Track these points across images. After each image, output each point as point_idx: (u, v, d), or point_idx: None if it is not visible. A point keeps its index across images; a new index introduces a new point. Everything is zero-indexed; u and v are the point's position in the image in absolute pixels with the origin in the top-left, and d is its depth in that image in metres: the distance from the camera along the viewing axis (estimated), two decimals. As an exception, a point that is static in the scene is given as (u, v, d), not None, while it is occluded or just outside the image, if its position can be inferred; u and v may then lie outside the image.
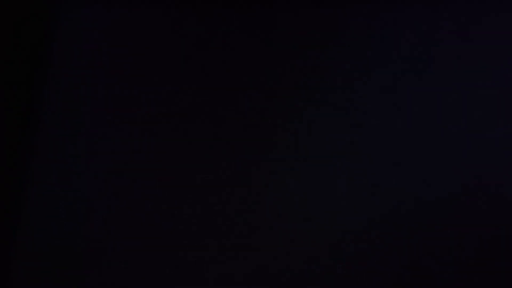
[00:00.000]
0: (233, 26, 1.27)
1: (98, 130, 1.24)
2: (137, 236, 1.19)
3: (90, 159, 1.23)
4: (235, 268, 1.17)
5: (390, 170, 1.20)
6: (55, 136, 1.24)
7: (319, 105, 1.23)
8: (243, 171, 1.21)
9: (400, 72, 1.24)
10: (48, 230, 1.20)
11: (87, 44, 1.28)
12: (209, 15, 1.28)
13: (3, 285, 1.17)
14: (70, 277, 1.18)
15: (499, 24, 1.24)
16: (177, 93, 1.25)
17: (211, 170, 1.21)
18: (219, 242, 1.18)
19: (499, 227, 1.17)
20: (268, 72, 1.25)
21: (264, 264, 1.17)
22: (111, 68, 1.27)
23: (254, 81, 1.25)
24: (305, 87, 1.24)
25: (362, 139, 1.22)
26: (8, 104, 1.25)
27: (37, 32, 1.28)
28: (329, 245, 1.18)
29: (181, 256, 1.18)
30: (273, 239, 1.18)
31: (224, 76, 1.25)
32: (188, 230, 1.19)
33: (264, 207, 1.20)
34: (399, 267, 1.16)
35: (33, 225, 1.21)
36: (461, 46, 1.24)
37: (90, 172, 1.22)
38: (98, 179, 1.22)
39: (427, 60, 1.24)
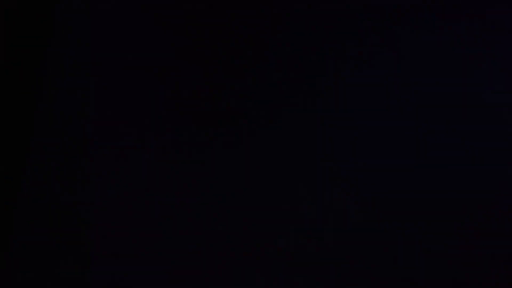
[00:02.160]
0: (234, 21, 1.27)
1: (99, 123, 1.24)
2: (141, 230, 1.20)
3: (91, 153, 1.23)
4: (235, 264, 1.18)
5: (388, 168, 1.20)
6: (53, 129, 1.25)
7: (317, 101, 1.24)
8: (242, 168, 1.22)
9: (399, 69, 1.24)
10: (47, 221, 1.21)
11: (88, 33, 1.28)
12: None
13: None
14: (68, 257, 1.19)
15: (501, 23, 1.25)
16: (179, 90, 1.25)
17: (211, 166, 1.22)
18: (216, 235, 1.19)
19: (499, 228, 1.17)
20: (267, 69, 1.26)
21: (264, 262, 1.18)
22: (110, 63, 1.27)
23: (253, 81, 1.25)
24: (302, 85, 1.25)
25: (360, 135, 1.22)
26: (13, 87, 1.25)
27: (38, 23, 1.28)
28: (325, 246, 1.18)
29: (183, 248, 1.18)
30: (271, 238, 1.18)
31: (225, 64, 1.26)
32: (190, 222, 1.20)
33: (262, 206, 1.20)
34: (395, 266, 1.17)
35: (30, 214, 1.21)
36: (459, 45, 1.25)
37: (91, 167, 1.23)
38: (100, 174, 1.22)
39: (427, 58, 1.24)
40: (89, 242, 1.19)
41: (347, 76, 1.25)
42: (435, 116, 1.22)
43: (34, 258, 1.19)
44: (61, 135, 1.24)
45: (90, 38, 1.29)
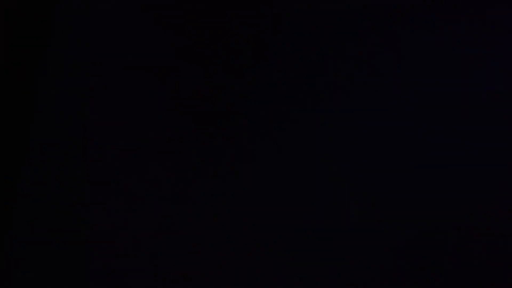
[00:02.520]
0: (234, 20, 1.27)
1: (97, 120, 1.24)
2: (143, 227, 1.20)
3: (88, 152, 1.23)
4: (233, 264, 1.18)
5: (388, 169, 1.20)
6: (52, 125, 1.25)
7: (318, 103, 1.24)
8: (241, 167, 1.22)
9: (398, 69, 1.24)
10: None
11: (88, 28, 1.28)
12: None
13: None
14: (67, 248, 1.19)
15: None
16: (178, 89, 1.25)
17: (212, 166, 1.22)
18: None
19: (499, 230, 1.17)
20: (266, 70, 1.26)
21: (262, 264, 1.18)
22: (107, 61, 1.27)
23: (253, 81, 1.25)
24: (302, 84, 1.25)
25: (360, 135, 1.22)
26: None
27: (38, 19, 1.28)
28: (323, 247, 1.18)
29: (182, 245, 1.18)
30: (271, 238, 1.18)
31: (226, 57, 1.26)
32: (190, 223, 1.20)
33: (261, 206, 1.20)
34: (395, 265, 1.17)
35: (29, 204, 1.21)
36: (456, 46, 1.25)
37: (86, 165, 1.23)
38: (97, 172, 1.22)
39: (428, 59, 1.24)
40: (89, 242, 1.19)
41: (347, 76, 1.25)
42: (435, 116, 1.22)
43: (34, 258, 1.19)
44: (61, 135, 1.24)
45: (90, 38, 1.29)
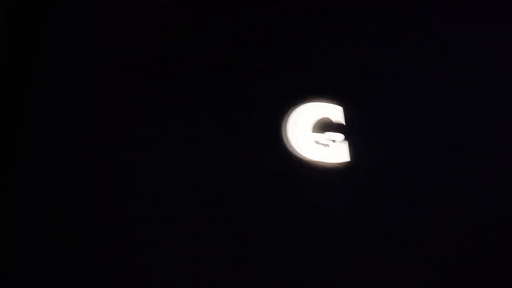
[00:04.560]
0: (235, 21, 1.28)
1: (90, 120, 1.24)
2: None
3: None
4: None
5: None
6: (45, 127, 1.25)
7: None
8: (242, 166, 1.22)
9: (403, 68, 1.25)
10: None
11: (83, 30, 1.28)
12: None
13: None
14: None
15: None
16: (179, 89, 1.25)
17: (212, 166, 1.22)
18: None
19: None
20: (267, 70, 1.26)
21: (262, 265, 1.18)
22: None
23: (252, 81, 1.26)
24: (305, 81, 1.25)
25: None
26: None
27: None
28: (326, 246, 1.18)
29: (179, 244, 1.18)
30: (271, 238, 1.18)
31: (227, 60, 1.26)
32: (190, 223, 1.19)
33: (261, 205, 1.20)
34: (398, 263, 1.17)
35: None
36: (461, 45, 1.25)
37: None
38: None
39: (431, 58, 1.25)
40: (89, 242, 1.19)
41: (346, 75, 1.25)
42: (436, 116, 1.22)
43: (34, 258, 1.19)
44: (60, 135, 1.24)
45: (90, 38, 1.29)
